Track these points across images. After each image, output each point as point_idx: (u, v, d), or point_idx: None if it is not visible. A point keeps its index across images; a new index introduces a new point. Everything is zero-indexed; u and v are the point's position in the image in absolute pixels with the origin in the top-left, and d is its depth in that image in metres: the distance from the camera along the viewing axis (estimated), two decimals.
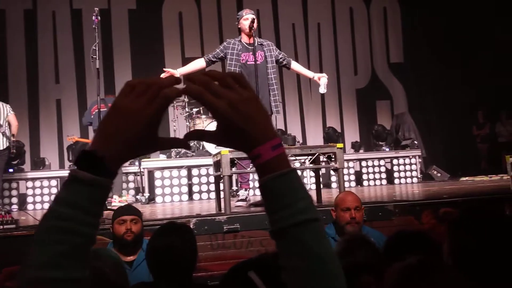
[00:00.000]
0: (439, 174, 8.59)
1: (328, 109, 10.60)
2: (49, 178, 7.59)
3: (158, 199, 7.04)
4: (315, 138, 10.09)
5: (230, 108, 0.70)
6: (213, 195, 7.07)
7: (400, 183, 8.30)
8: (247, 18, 5.10)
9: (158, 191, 7.08)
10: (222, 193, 4.27)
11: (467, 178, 8.28)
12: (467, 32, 9.71)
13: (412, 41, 10.71)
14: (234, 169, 4.23)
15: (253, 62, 4.90)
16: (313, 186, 6.92)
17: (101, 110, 4.77)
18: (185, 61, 9.89)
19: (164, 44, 9.90)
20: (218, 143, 0.77)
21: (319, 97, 10.56)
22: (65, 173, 7.83)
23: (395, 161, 8.50)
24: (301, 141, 9.67)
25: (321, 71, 10.47)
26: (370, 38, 10.95)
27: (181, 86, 0.73)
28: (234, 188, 6.52)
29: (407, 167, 8.45)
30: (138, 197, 7.17)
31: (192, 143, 7.42)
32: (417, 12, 10.51)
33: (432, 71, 10.13)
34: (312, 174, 6.91)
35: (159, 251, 2.08)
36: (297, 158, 4.73)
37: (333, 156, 4.30)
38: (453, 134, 9.92)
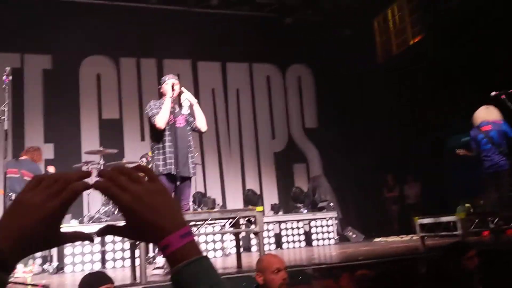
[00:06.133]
0: (354, 235, 8.87)
1: (247, 171, 10.74)
2: None
3: (68, 268, 6.54)
4: (235, 200, 10.10)
5: (135, 200, 0.72)
6: (128, 262, 6.74)
7: (318, 245, 8.43)
8: (167, 82, 5.14)
9: (67, 259, 6.59)
10: (137, 261, 4.07)
11: (380, 238, 8.62)
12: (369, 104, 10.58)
13: (325, 108, 11.34)
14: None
15: (177, 125, 4.90)
16: (233, 250, 6.85)
17: (12, 176, 4.43)
18: (102, 122, 9.71)
19: (80, 106, 9.62)
20: (129, 237, 0.79)
21: (239, 159, 10.72)
22: None
23: (312, 223, 8.67)
24: (221, 203, 9.62)
25: (240, 135, 10.86)
26: (286, 104, 11.46)
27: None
28: (151, 254, 6.25)
29: (324, 229, 8.63)
30: (45, 266, 6.62)
31: (105, 210, 7.10)
32: (328, 81, 11.21)
33: (343, 136, 10.72)
34: (232, 237, 6.83)
35: None
36: (217, 222, 4.68)
37: (253, 220, 4.30)
38: (366, 196, 10.40)
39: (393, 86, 10.43)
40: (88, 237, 0.78)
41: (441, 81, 9.15)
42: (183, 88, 5.07)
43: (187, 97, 4.95)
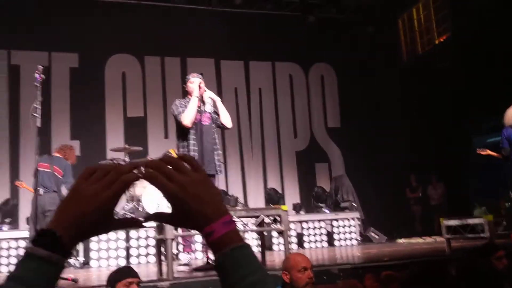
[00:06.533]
0: (377, 236, 8.81)
1: (269, 170, 10.76)
2: None
3: (93, 263, 6.67)
4: (256, 198, 10.13)
5: (181, 189, 0.75)
6: (152, 258, 6.82)
7: (340, 245, 8.40)
8: (193, 81, 5.19)
9: (93, 254, 6.71)
10: (163, 257, 4.12)
11: (403, 240, 8.55)
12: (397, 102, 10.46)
13: (348, 107, 11.27)
14: (177, 232, 4.14)
15: (202, 123, 4.94)
16: (255, 249, 6.86)
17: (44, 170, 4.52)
18: (127, 120, 9.85)
19: (105, 104, 9.77)
20: (174, 224, 0.84)
21: (260, 158, 10.73)
22: None
23: (335, 223, 8.64)
24: (243, 202, 9.66)
25: (262, 133, 10.88)
26: (309, 103, 11.43)
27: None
28: (175, 251, 6.32)
29: (347, 229, 8.60)
30: (71, 261, 6.75)
31: (130, 207, 7.20)
32: (351, 80, 11.14)
33: (366, 136, 10.65)
34: (254, 236, 6.85)
35: None
36: (240, 220, 4.70)
37: (278, 218, 4.31)
38: (388, 196, 10.31)
39: (418, 86, 10.31)
40: (138, 223, 0.83)
41: (468, 80, 9.01)
42: (204, 87, 5.10)
43: (210, 95, 4.99)
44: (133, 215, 7.18)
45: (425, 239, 8.21)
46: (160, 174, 0.76)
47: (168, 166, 0.77)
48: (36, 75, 4.35)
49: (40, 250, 0.70)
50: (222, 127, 5.22)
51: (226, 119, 5.10)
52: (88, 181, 0.75)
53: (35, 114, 4.21)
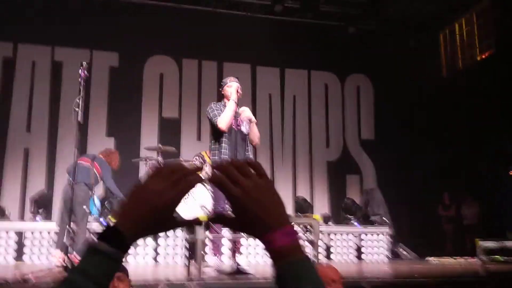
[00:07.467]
0: (406, 253, 8.62)
1: (299, 178, 10.69)
2: (6, 229, 7.20)
3: None
4: (285, 206, 10.03)
5: (245, 194, 0.76)
6: (178, 259, 6.87)
7: (369, 260, 8.25)
8: (230, 85, 5.20)
9: None
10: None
11: (433, 258, 8.33)
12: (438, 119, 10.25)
13: (383, 120, 11.11)
14: (207, 234, 4.14)
15: (236, 128, 4.95)
16: None
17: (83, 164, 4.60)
18: (162, 121, 9.98)
19: (142, 103, 9.94)
20: (235, 228, 0.83)
21: (291, 166, 10.68)
22: (24, 224, 7.49)
23: (363, 236, 8.50)
24: None
25: (294, 141, 10.83)
26: (343, 113, 11.32)
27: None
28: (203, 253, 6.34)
29: (376, 243, 8.44)
30: None
31: None
32: (388, 92, 10.98)
33: (400, 150, 10.46)
34: None
35: None
36: None
37: (310, 228, 4.27)
38: (419, 213, 10.09)
39: (457, 102, 10.08)
40: (198, 222, 0.85)
41: (510, 99, 8.75)
42: (244, 107, 5.10)
43: (248, 115, 4.99)
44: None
45: (457, 259, 7.98)
46: (226, 177, 0.77)
47: (234, 170, 0.78)
48: (80, 71, 4.45)
49: (103, 244, 0.72)
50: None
51: (255, 138, 5.10)
52: (154, 179, 0.77)
53: (76, 109, 4.31)
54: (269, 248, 0.76)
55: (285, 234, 0.75)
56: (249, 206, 0.76)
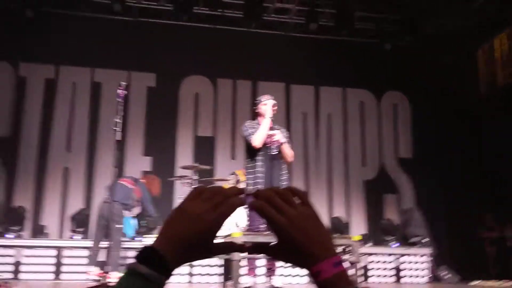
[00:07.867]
0: (448, 275, 8.29)
1: (335, 198, 10.52)
2: (46, 247, 7.35)
3: None
4: None
5: (290, 223, 0.73)
6: (212, 279, 6.82)
7: (410, 282, 7.98)
8: (266, 103, 5.20)
9: None
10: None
11: (477, 282, 7.98)
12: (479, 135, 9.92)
13: (421, 138, 10.86)
14: (244, 254, 4.08)
15: (270, 146, 4.93)
16: None
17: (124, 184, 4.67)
18: (197, 139, 10.06)
19: (178, 122, 10.06)
20: (279, 258, 0.80)
21: (326, 185, 10.53)
22: (63, 242, 7.63)
23: (403, 258, 8.24)
24: None
25: (329, 160, 10.70)
26: (380, 132, 11.13)
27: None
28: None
29: (416, 266, 8.17)
30: None
31: None
32: (426, 110, 10.75)
33: (439, 169, 10.17)
34: None
35: None
36: None
37: (349, 249, 4.16)
38: (460, 234, 9.73)
39: (497, 119, 9.76)
40: (240, 249, 0.80)
41: None
42: (275, 130, 5.09)
43: (278, 138, 4.98)
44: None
45: (503, 284, 7.62)
46: (269, 205, 0.74)
47: (277, 198, 0.75)
48: (119, 91, 4.53)
49: (143, 267, 0.70)
50: None
51: (287, 158, 5.08)
52: (195, 201, 0.75)
53: (116, 128, 4.38)
54: (316, 280, 0.73)
55: (333, 265, 0.72)
56: (295, 235, 0.73)
